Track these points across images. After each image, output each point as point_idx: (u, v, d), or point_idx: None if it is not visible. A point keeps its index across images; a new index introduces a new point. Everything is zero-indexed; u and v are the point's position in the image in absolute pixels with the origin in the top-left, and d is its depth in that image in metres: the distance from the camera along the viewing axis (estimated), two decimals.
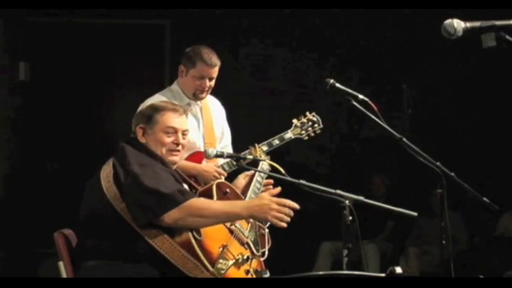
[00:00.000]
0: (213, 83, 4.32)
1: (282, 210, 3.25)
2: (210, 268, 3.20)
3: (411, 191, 7.15)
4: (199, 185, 3.83)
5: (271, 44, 7.86)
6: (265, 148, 4.29)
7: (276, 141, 4.36)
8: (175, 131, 3.49)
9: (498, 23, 2.74)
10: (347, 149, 7.85)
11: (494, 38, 2.73)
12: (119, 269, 3.24)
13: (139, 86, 7.05)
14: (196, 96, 4.32)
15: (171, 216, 3.21)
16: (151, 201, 3.21)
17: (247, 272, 3.42)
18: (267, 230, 3.73)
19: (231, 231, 3.47)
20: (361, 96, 3.61)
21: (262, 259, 3.63)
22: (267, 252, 3.67)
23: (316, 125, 4.52)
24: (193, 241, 3.22)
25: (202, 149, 4.27)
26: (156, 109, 3.52)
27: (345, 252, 3.15)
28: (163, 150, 3.46)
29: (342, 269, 3.05)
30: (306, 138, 4.51)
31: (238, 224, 3.53)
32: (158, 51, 7.68)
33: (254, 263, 3.50)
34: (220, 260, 3.27)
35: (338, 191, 3.24)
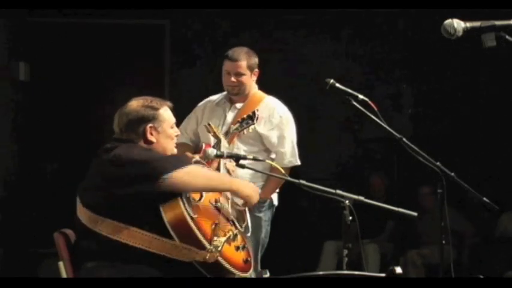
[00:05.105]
0: (243, 79, 4.36)
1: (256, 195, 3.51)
2: (207, 246, 3.21)
3: (411, 191, 7.15)
4: None
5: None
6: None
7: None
8: (175, 124, 3.57)
9: (498, 23, 2.75)
10: (347, 148, 7.85)
11: (494, 38, 2.74)
12: (119, 270, 3.24)
13: (139, 86, 7.06)
14: (229, 93, 4.43)
15: (184, 170, 3.24)
16: (157, 164, 3.25)
17: (237, 248, 3.43)
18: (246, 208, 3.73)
19: (218, 209, 3.48)
20: (361, 96, 3.61)
21: (248, 235, 3.66)
22: (250, 228, 3.69)
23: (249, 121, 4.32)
24: (189, 220, 3.21)
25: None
26: (154, 107, 3.51)
27: (345, 252, 3.15)
28: (171, 144, 3.53)
29: (342, 269, 3.05)
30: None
31: (221, 201, 3.55)
32: (158, 51, 7.68)
33: (239, 239, 3.51)
34: (215, 238, 3.28)
35: (338, 191, 3.25)
